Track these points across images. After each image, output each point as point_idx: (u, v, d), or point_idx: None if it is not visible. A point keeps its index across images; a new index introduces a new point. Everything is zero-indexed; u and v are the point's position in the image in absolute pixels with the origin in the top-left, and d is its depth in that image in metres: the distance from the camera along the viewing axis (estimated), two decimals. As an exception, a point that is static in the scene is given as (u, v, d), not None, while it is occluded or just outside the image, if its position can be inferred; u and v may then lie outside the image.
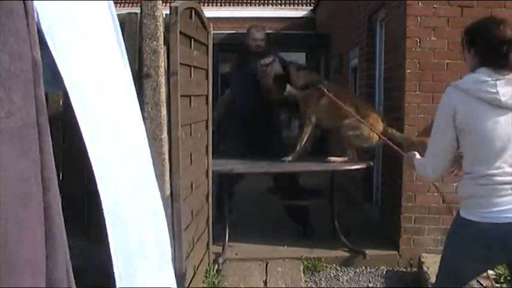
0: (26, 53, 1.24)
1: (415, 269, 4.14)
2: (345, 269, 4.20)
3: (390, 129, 4.15)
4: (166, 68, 2.80)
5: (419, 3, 4.09)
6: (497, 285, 3.54)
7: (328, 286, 3.93)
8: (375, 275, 4.12)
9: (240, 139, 4.84)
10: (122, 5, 14.05)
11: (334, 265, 4.23)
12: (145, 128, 2.73)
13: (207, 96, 3.85)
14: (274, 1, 14.84)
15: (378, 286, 3.95)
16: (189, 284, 3.15)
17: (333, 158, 4.33)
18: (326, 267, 4.20)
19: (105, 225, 1.74)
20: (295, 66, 4.57)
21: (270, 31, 7.35)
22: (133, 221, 1.96)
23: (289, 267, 4.04)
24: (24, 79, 1.23)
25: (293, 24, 12.87)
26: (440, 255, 2.44)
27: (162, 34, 2.73)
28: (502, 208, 2.12)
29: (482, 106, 2.14)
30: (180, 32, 2.90)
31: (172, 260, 2.87)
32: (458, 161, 2.35)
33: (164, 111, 2.78)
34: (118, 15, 2.84)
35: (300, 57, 9.46)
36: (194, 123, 3.39)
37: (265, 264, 4.07)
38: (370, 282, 4.01)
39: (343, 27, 7.53)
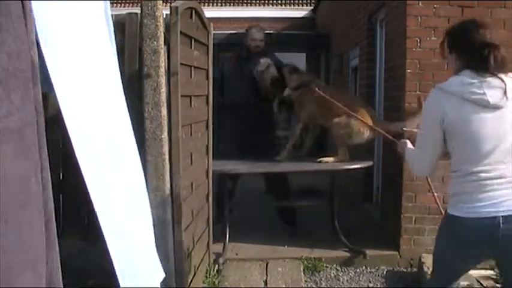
0: (24, 53, 1.24)
1: (415, 269, 4.14)
2: (345, 269, 4.20)
3: (380, 121, 4.15)
4: (166, 68, 2.80)
5: (420, 3, 4.09)
6: (498, 285, 3.54)
7: (329, 286, 3.92)
8: (375, 275, 4.12)
9: (238, 139, 4.84)
10: (122, 5, 14.07)
11: (335, 265, 4.23)
12: (146, 128, 2.74)
13: (207, 96, 3.85)
14: (275, 1, 14.86)
15: (378, 286, 3.95)
16: (189, 284, 3.15)
17: (325, 159, 4.33)
18: (326, 267, 4.20)
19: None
20: (289, 68, 4.64)
21: (271, 31, 7.35)
22: (125, 221, 1.97)
23: (290, 267, 4.04)
24: (23, 79, 1.23)
25: (293, 24, 12.89)
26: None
27: (162, 34, 2.73)
28: (486, 203, 2.15)
29: (470, 107, 2.16)
30: (181, 32, 2.90)
31: (172, 260, 2.88)
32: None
33: (164, 112, 2.78)
34: (118, 15, 2.85)
35: (300, 58, 9.48)
36: (194, 124, 3.39)
37: (265, 264, 4.07)
38: (370, 282, 4.01)
39: (343, 27, 7.53)
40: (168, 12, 2.82)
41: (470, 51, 2.19)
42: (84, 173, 1.69)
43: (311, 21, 12.40)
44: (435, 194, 3.18)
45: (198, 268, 3.48)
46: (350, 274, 4.14)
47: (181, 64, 2.95)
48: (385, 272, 4.17)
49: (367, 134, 4.19)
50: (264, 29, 5.03)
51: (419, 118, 2.70)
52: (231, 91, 4.91)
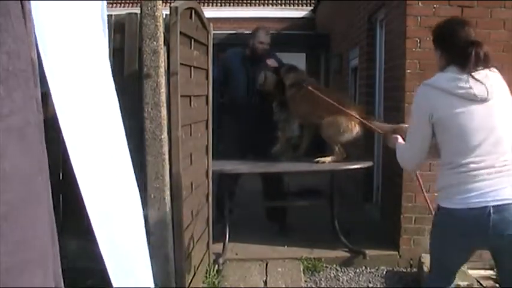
0: (24, 53, 1.24)
1: (415, 270, 4.14)
2: (345, 269, 4.20)
3: (370, 119, 4.16)
4: (166, 68, 2.80)
5: (419, 3, 4.09)
6: (498, 285, 3.54)
7: (328, 286, 3.92)
8: (375, 275, 4.12)
9: (238, 139, 4.84)
10: (122, 5, 14.07)
11: (334, 265, 4.23)
12: (146, 128, 2.74)
13: (207, 97, 3.85)
14: (275, 1, 14.86)
15: (378, 286, 3.95)
16: (189, 284, 3.15)
17: (322, 159, 4.32)
18: (326, 267, 4.20)
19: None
20: (286, 67, 4.68)
21: (271, 31, 7.35)
22: (118, 222, 1.98)
23: (289, 267, 4.04)
24: (24, 79, 1.23)
25: (293, 24, 12.89)
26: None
27: (162, 34, 2.73)
28: (475, 193, 2.20)
29: (458, 101, 2.23)
30: (180, 32, 2.90)
31: (172, 260, 2.88)
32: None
33: (164, 112, 2.78)
34: (118, 15, 2.86)
35: (300, 58, 9.49)
36: (194, 124, 3.39)
37: (265, 265, 4.07)
38: (370, 282, 4.01)
39: (343, 27, 7.53)
40: (168, 13, 2.82)
41: (455, 49, 2.28)
42: (77, 174, 1.70)
43: (311, 21, 12.40)
44: (425, 193, 3.21)
45: (197, 268, 3.48)
46: (350, 274, 4.14)
47: (181, 64, 2.95)
48: (384, 272, 4.17)
49: (356, 130, 4.19)
50: (270, 31, 5.05)
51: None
52: (232, 90, 4.92)
